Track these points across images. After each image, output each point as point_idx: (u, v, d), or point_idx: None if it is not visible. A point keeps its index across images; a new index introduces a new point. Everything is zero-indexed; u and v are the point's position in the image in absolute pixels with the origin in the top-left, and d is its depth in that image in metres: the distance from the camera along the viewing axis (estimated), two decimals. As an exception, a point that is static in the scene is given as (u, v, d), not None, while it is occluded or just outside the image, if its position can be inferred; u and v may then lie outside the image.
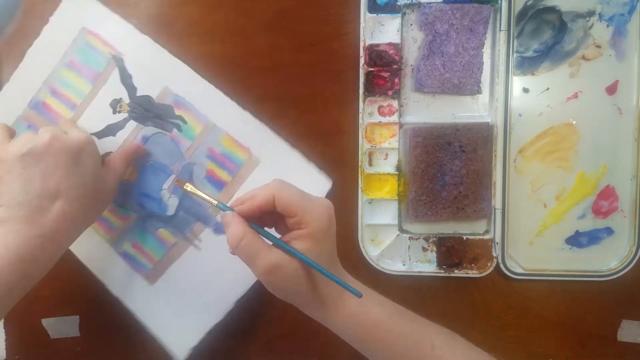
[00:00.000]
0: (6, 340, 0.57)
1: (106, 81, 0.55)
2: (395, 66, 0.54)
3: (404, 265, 0.55)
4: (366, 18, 0.53)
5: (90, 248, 0.56)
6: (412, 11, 0.54)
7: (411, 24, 0.54)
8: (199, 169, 0.55)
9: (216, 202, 0.45)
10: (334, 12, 0.55)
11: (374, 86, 0.54)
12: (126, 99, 0.55)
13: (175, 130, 0.55)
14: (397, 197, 0.55)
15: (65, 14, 0.55)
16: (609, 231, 0.55)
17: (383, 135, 0.54)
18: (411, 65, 0.54)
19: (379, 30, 0.54)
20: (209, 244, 0.55)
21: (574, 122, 0.54)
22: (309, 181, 0.54)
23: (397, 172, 0.55)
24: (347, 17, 0.54)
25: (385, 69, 0.54)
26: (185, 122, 0.55)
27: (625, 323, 0.55)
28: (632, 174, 0.54)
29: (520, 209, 0.55)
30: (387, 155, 0.55)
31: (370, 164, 0.55)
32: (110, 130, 0.55)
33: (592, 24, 0.53)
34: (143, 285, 0.56)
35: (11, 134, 0.49)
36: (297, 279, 0.42)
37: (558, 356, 0.56)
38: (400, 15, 0.53)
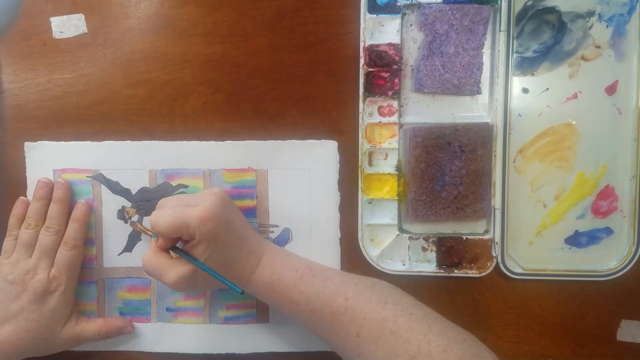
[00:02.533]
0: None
1: (102, 201, 0.56)
2: (395, 66, 0.54)
3: (403, 265, 0.55)
4: (366, 18, 0.53)
5: (193, 339, 0.56)
6: (412, 12, 0.54)
7: (411, 25, 0.54)
8: None
9: (151, 233, 0.53)
10: (334, 12, 0.55)
11: (374, 86, 0.54)
12: (127, 204, 0.56)
13: None
14: (396, 197, 0.55)
15: (34, 168, 0.56)
16: (609, 231, 0.55)
17: (383, 136, 0.54)
18: (411, 65, 0.55)
19: (379, 31, 0.54)
20: None
21: (573, 122, 0.54)
22: (317, 153, 0.55)
23: (397, 172, 0.55)
24: (347, 17, 0.54)
25: (385, 70, 0.54)
26: (186, 186, 0.56)
27: (624, 323, 0.56)
28: (631, 174, 0.54)
29: (520, 209, 0.55)
30: (387, 155, 0.55)
31: (370, 164, 0.55)
32: (134, 239, 0.56)
33: (592, 25, 0.54)
34: (262, 328, 0.56)
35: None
36: (201, 277, 0.47)
37: (557, 356, 0.56)
38: (400, 15, 0.53)
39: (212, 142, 0.55)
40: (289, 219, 0.56)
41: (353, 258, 0.55)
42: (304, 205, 0.55)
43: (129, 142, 0.56)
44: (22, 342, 0.51)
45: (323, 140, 0.55)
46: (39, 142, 0.56)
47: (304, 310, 0.47)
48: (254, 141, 0.55)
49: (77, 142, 0.56)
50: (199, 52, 0.55)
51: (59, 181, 0.55)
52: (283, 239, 0.56)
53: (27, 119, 0.56)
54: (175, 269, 0.47)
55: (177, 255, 0.48)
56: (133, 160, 0.56)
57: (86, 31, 0.56)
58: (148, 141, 0.56)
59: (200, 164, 0.56)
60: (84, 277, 0.56)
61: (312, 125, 0.55)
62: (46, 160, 0.56)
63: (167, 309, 0.56)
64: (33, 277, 0.51)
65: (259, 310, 0.56)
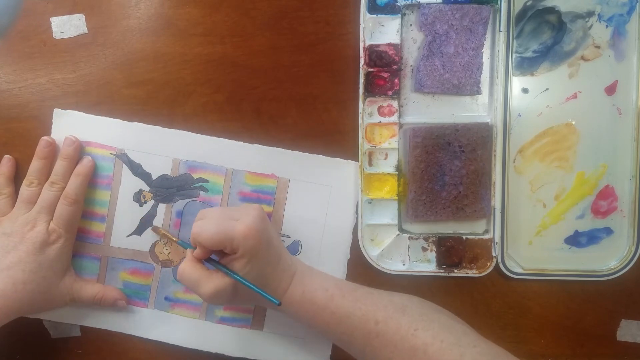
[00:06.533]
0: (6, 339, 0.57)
1: (120, 180, 0.56)
2: (395, 67, 0.54)
3: (403, 265, 0.55)
4: (366, 18, 0.53)
5: (185, 332, 0.56)
6: (412, 12, 0.54)
7: (411, 25, 0.54)
8: None
9: (176, 240, 0.54)
10: (334, 13, 0.55)
11: (374, 86, 0.54)
12: (145, 188, 0.56)
13: (201, 192, 0.56)
14: (396, 197, 0.55)
15: (60, 134, 0.55)
16: (608, 231, 0.55)
17: (383, 136, 0.54)
18: (411, 65, 0.55)
19: (379, 31, 0.54)
20: None
21: (573, 122, 0.54)
22: (341, 172, 0.55)
23: (396, 172, 0.55)
24: (347, 18, 0.54)
25: (385, 70, 0.54)
26: (207, 181, 0.56)
27: (624, 323, 0.56)
28: (631, 174, 0.54)
29: (520, 208, 0.55)
30: (386, 155, 0.55)
31: (370, 164, 0.55)
32: (145, 223, 0.56)
33: (592, 25, 0.54)
34: (255, 335, 0.56)
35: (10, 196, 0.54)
36: (240, 292, 0.48)
37: (557, 356, 0.56)
38: (400, 15, 0.53)
39: (241, 143, 0.55)
40: (302, 231, 0.56)
41: (353, 258, 0.55)
42: (318, 221, 0.55)
43: (159, 127, 0.55)
44: (19, 295, 0.50)
45: (349, 161, 0.55)
46: (68, 110, 0.56)
47: (336, 331, 0.47)
48: (281, 149, 0.55)
49: (107, 117, 0.56)
50: (199, 52, 0.55)
51: (69, 138, 0.54)
52: (292, 251, 0.55)
53: (27, 119, 0.56)
54: (213, 281, 0.47)
55: (214, 268, 0.48)
56: (159, 146, 0.55)
57: (86, 31, 0.56)
58: (177, 130, 0.55)
59: (224, 162, 0.55)
60: (89, 251, 0.56)
61: (312, 125, 0.55)
62: (73, 130, 0.55)
63: (166, 298, 0.56)
64: (32, 229, 0.51)
65: (255, 316, 0.56)
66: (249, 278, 0.47)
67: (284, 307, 0.49)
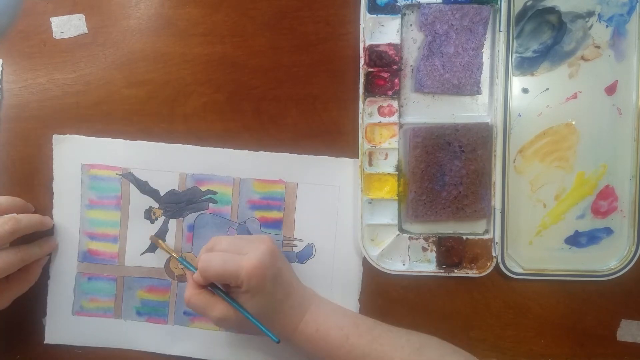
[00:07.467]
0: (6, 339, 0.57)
1: (129, 200, 0.56)
2: (395, 67, 0.54)
3: (403, 265, 0.55)
4: (366, 18, 0.53)
5: (207, 345, 0.56)
6: (412, 12, 0.54)
7: (411, 25, 0.54)
8: (252, 223, 0.56)
9: (177, 256, 0.54)
10: (334, 13, 0.55)
11: (374, 86, 0.54)
12: (155, 204, 0.56)
13: (211, 204, 0.56)
14: (397, 197, 0.55)
15: (61, 161, 0.56)
16: (608, 231, 0.55)
17: (383, 136, 0.54)
18: (411, 65, 0.55)
19: (379, 31, 0.54)
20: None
21: (573, 122, 0.54)
22: (349, 171, 0.55)
23: (397, 172, 0.55)
24: (347, 18, 0.54)
25: (385, 70, 0.54)
26: (215, 192, 0.56)
27: (624, 323, 0.56)
28: (631, 174, 0.54)
29: (520, 209, 0.55)
30: (387, 155, 0.55)
31: (370, 164, 0.55)
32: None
33: (592, 25, 0.54)
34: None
35: None
36: (247, 322, 0.47)
37: (557, 356, 0.56)
38: (400, 15, 0.53)
39: (245, 151, 0.55)
40: (314, 234, 0.56)
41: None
42: (330, 222, 0.55)
43: (162, 143, 0.56)
44: None
45: (355, 160, 0.55)
46: (67, 135, 0.56)
47: None
48: (287, 154, 0.55)
49: (108, 138, 0.56)
50: (199, 52, 0.55)
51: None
52: (306, 254, 0.56)
53: (27, 119, 0.56)
54: (221, 306, 0.48)
55: (217, 294, 0.49)
56: (164, 162, 0.56)
57: (86, 31, 0.56)
58: (181, 144, 0.56)
59: (231, 172, 0.56)
60: (104, 273, 0.56)
61: (312, 125, 0.55)
62: (75, 154, 0.56)
63: (185, 313, 0.56)
64: None
65: None
66: (252, 312, 0.47)
67: (297, 342, 0.49)
